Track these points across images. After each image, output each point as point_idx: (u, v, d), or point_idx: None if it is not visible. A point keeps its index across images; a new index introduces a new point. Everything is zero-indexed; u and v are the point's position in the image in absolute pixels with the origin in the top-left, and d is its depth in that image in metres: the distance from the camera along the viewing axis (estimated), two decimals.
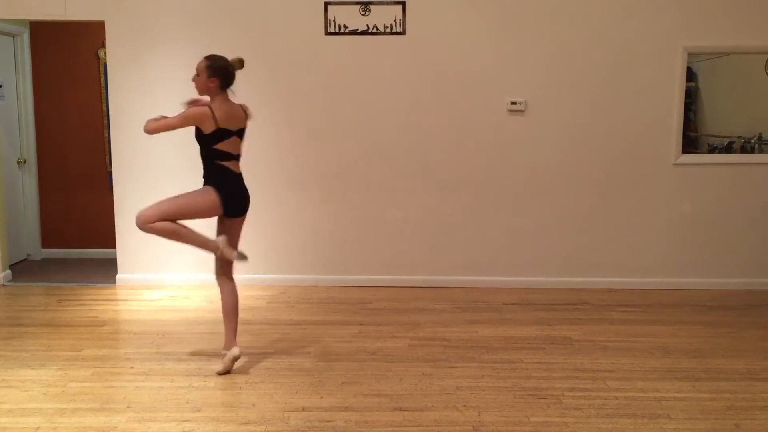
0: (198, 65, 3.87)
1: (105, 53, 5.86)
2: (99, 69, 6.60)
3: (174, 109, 5.50)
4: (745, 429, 3.24)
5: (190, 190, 3.93)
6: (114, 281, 5.81)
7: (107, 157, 6.60)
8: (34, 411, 3.39)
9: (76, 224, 6.82)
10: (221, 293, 3.99)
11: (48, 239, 6.86)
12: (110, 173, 6.37)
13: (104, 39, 5.65)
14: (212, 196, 3.87)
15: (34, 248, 6.78)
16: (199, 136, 3.88)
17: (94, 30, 6.24)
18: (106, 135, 6.59)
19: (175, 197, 3.90)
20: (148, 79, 5.59)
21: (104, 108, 6.55)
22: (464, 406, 3.46)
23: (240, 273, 4.26)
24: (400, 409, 3.42)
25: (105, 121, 6.55)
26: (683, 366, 4.00)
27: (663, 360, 4.09)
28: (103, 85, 6.54)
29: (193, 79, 3.89)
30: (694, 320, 4.88)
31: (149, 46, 5.56)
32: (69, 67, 6.63)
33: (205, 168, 3.93)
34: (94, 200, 6.69)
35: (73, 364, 4.00)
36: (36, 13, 5.56)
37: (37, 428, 3.23)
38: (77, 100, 6.67)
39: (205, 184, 3.93)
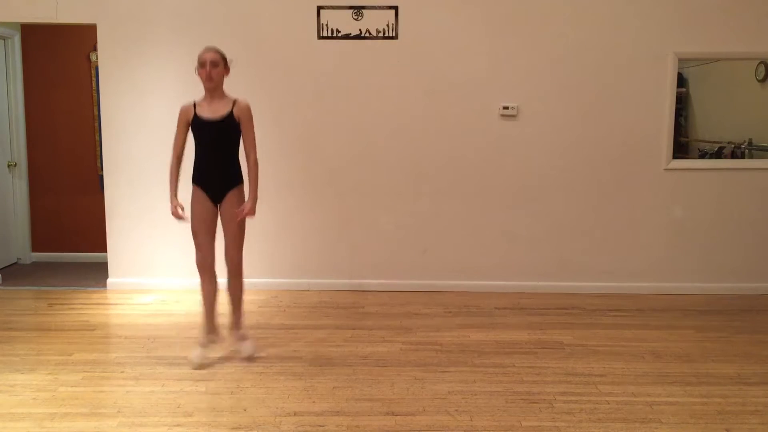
0: (214, 57, 3.90)
1: (96, 56, 5.85)
2: (90, 72, 6.59)
3: (164, 112, 5.52)
4: None
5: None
6: (105, 285, 5.79)
7: (98, 160, 6.59)
8: (24, 416, 3.37)
9: (66, 228, 6.79)
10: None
11: (38, 243, 6.82)
12: (101, 176, 6.35)
13: (96, 42, 5.63)
14: None
15: (24, 252, 6.74)
16: (236, 133, 3.98)
17: (85, 33, 6.24)
18: (97, 138, 6.58)
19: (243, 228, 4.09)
20: (139, 83, 5.57)
21: (95, 111, 6.53)
22: (456, 410, 3.46)
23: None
24: (392, 414, 3.42)
25: (96, 125, 6.54)
26: (674, 370, 4.01)
27: (654, 364, 4.11)
28: (94, 88, 6.53)
29: (211, 71, 3.87)
30: (685, 325, 4.90)
31: (141, 50, 5.55)
32: (60, 71, 6.61)
33: (234, 165, 4.02)
34: (85, 204, 6.67)
35: (64, 368, 3.98)
36: (27, 16, 5.54)
37: None
38: (68, 104, 6.65)
39: (239, 182, 4.05)
